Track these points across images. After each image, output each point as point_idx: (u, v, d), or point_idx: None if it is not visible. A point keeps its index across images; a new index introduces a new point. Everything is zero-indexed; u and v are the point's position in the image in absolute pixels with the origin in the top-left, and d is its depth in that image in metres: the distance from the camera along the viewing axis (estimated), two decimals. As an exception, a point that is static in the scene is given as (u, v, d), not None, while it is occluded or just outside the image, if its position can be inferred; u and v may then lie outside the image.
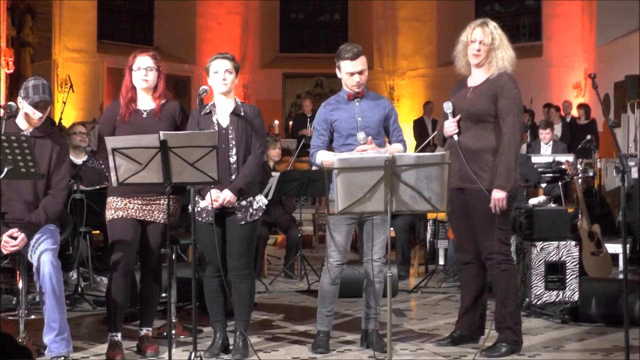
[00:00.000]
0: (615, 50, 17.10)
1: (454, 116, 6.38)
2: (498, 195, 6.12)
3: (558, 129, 15.90)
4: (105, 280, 8.89)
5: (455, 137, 6.35)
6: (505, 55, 6.31)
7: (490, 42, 6.29)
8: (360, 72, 6.47)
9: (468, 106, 6.30)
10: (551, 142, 13.00)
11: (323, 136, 6.52)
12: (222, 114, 6.22)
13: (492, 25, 6.35)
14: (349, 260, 6.67)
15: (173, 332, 6.44)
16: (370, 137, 6.33)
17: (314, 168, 9.53)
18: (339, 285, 6.53)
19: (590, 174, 13.00)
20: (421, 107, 19.40)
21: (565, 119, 16.72)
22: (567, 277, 8.17)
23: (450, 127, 6.38)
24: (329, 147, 6.54)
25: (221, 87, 6.20)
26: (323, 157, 6.46)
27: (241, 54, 20.42)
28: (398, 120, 6.69)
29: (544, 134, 12.98)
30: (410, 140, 18.42)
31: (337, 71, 6.57)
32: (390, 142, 6.62)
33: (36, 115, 6.03)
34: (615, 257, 10.27)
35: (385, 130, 6.58)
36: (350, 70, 6.46)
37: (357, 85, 6.49)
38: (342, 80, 6.56)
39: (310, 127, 16.68)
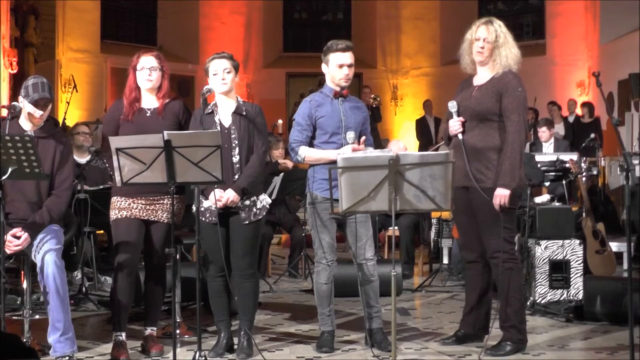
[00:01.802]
0: (619, 48, 17.09)
1: (458, 115, 6.38)
2: (501, 193, 6.12)
3: (560, 128, 15.89)
4: (109, 280, 8.88)
5: (460, 136, 6.35)
6: (509, 53, 6.31)
7: (494, 39, 6.29)
8: (350, 66, 6.48)
9: (473, 105, 6.30)
10: (552, 140, 12.98)
11: (306, 131, 6.47)
12: (224, 114, 6.22)
13: (497, 23, 6.35)
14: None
15: (177, 331, 6.44)
16: (363, 137, 6.35)
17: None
18: (333, 284, 6.52)
19: (594, 172, 13.00)
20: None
21: (567, 118, 16.69)
22: (572, 275, 8.16)
23: (455, 125, 6.38)
24: (310, 144, 6.51)
25: (221, 87, 6.19)
26: (307, 153, 6.42)
27: (244, 53, 20.45)
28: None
29: (541, 132, 12.98)
30: (413, 140, 18.46)
31: (323, 67, 6.56)
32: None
33: (37, 113, 6.03)
34: (619, 255, 10.25)
35: (361, 134, 6.56)
36: (341, 62, 6.46)
37: (345, 79, 6.48)
38: (329, 76, 6.54)
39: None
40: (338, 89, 6.51)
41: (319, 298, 6.51)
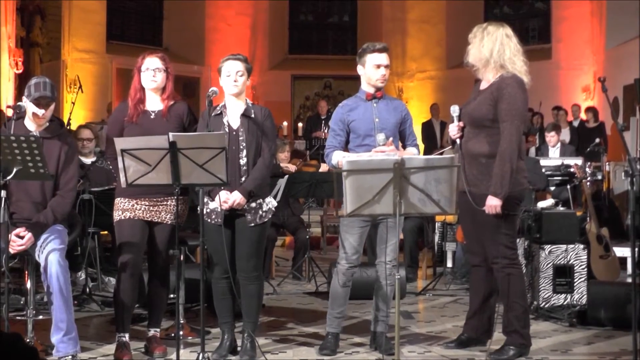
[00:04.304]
0: (625, 53, 17.06)
1: (459, 120, 6.38)
2: (491, 202, 6.10)
3: (566, 133, 15.88)
4: (113, 280, 8.90)
5: (458, 141, 6.36)
6: (476, 52, 6.31)
7: (471, 39, 6.33)
8: (386, 67, 6.50)
9: (470, 111, 6.30)
10: (559, 145, 12.98)
11: (339, 136, 6.50)
12: (233, 116, 6.22)
13: (484, 25, 6.35)
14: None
15: (181, 333, 6.45)
16: (391, 139, 6.34)
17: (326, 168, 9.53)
18: (350, 288, 6.53)
19: (599, 177, 12.98)
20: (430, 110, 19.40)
21: (572, 123, 16.68)
22: (575, 280, 8.15)
23: (452, 131, 6.41)
24: (345, 148, 6.53)
25: (232, 89, 6.20)
26: (339, 158, 6.42)
27: (250, 55, 20.43)
28: (412, 125, 6.69)
29: (549, 137, 12.98)
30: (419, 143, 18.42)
31: (359, 68, 6.57)
32: (405, 146, 6.59)
33: (39, 112, 6.03)
34: (623, 260, 10.24)
35: (401, 134, 6.57)
36: (378, 62, 6.47)
37: (382, 79, 6.49)
38: (365, 77, 6.54)
39: (325, 128, 16.63)
40: (372, 90, 6.52)
41: (331, 298, 6.53)
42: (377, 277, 6.51)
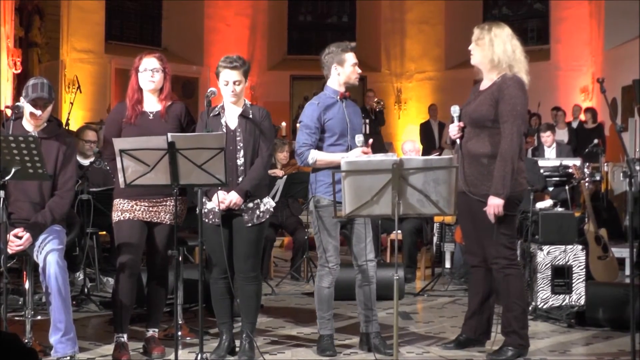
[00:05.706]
0: (623, 54, 17.06)
1: (459, 120, 6.38)
2: (493, 202, 6.10)
3: (564, 134, 15.89)
4: (111, 281, 8.89)
5: (457, 142, 6.35)
6: (488, 54, 6.30)
7: (475, 40, 6.32)
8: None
9: (470, 112, 6.29)
10: (554, 145, 13.00)
11: (315, 135, 6.42)
12: (231, 116, 6.22)
13: (488, 27, 6.34)
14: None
15: (179, 333, 6.44)
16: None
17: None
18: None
19: (597, 178, 12.99)
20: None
21: (570, 124, 16.68)
22: (574, 281, 8.16)
23: (452, 131, 6.40)
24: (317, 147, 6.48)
25: (231, 98, 6.19)
26: (318, 156, 6.38)
27: (249, 55, 20.42)
28: None
29: (545, 137, 13.00)
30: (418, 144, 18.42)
31: (335, 67, 6.50)
32: None
33: (35, 112, 6.02)
34: (621, 261, 10.25)
35: None
36: (355, 61, 6.50)
37: (358, 77, 6.53)
38: (342, 76, 6.49)
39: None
40: (343, 90, 6.50)
41: (320, 302, 6.50)
42: (361, 277, 6.50)
